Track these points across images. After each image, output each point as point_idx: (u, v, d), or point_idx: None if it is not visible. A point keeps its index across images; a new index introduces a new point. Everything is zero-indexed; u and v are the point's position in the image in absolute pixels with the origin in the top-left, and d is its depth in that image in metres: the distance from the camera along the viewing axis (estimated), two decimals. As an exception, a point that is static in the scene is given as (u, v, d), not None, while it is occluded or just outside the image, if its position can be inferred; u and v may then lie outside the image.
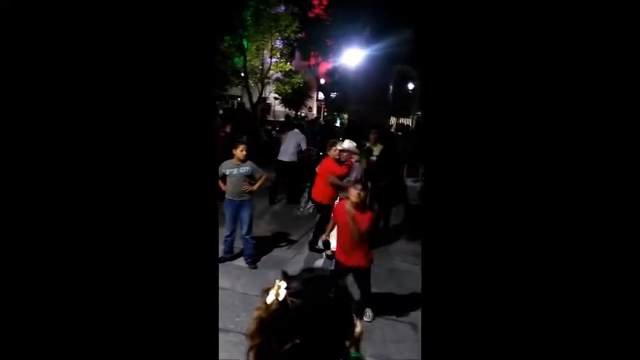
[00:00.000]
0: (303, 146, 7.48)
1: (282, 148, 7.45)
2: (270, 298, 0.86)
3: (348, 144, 5.09)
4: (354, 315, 1.05)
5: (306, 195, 7.63)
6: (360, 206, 3.34)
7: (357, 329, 1.06)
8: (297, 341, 0.82)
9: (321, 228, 5.16)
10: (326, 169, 5.05)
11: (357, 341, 1.06)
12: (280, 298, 0.85)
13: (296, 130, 7.81)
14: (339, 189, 4.93)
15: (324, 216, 5.19)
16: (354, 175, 4.92)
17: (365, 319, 3.60)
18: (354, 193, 3.31)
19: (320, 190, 5.11)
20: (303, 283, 0.89)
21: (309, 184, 7.63)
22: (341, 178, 4.93)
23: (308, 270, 0.94)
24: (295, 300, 0.85)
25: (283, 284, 0.88)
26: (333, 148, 5.07)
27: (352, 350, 1.03)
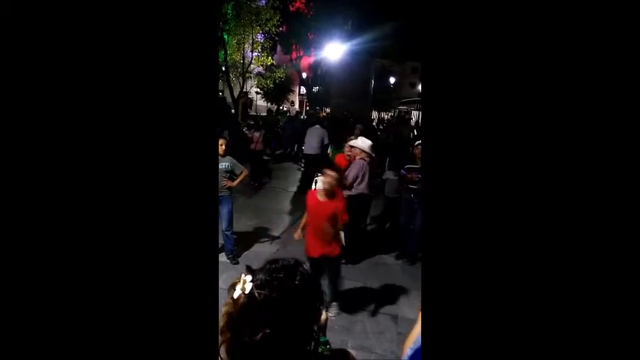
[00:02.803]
0: (326, 140, 7.99)
1: (307, 142, 8.09)
2: (236, 293, 0.87)
3: (359, 141, 4.84)
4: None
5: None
6: (329, 193, 3.34)
7: (323, 316, 1.08)
8: (268, 331, 0.83)
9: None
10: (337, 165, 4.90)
11: (322, 328, 1.08)
12: (247, 292, 0.86)
13: (317, 125, 8.52)
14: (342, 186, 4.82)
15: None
16: (352, 173, 4.68)
17: (329, 314, 3.50)
18: (323, 179, 3.30)
19: None
20: (269, 274, 0.89)
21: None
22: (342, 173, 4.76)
23: (273, 261, 0.94)
24: (262, 291, 0.86)
25: (249, 278, 0.89)
26: (346, 144, 4.91)
27: (319, 336, 1.05)
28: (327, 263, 3.47)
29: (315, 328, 0.94)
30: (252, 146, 8.70)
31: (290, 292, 0.88)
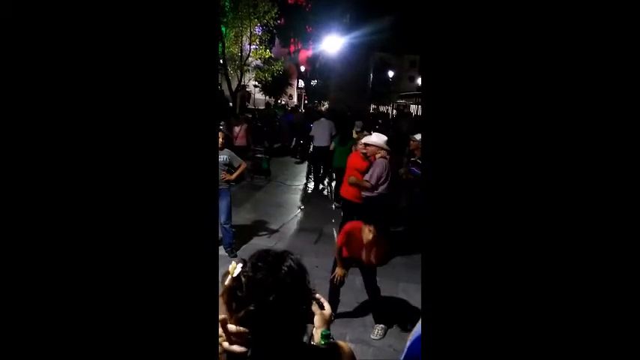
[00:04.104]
0: (334, 131, 8.11)
1: (317, 135, 8.17)
2: (227, 280, 0.92)
3: (375, 138, 4.51)
4: (320, 299, 1.08)
5: (328, 186, 7.91)
6: (374, 242, 3.03)
7: (327, 311, 1.10)
8: (251, 308, 0.86)
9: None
10: (351, 165, 4.63)
11: (327, 322, 1.09)
12: (234, 276, 0.91)
13: (322, 119, 8.59)
14: (361, 188, 4.46)
15: (346, 216, 4.79)
16: (377, 172, 4.31)
17: (372, 336, 3.36)
18: (366, 232, 3.00)
19: (345, 187, 4.72)
20: (257, 259, 0.93)
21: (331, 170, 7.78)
22: (362, 174, 4.44)
23: (264, 250, 0.98)
24: (248, 273, 0.90)
25: (240, 265, 0.93)
26: (360, 141, 4.64)
27: (323, 329, 1.07)
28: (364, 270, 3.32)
29: (306, 318, 0.96)
30: (233, 141, 7.82)
31: (276, 275, 0.91)
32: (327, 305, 1.12)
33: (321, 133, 8.15)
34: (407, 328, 3.37)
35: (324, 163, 8.12)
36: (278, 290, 0.88)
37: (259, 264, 0.91)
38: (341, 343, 1.06)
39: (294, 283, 0.92)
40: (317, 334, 1.06)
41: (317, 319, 1.08)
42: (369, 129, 7.61)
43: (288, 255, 0.97)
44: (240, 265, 0.93)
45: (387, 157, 4.42)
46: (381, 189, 4.35)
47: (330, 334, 1.08)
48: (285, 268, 0.92)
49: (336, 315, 3.49)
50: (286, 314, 0.90)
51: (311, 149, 8.52)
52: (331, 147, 7.28)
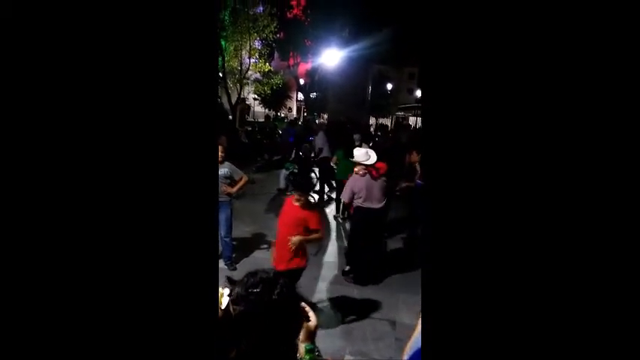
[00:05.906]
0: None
1: (324, 148, 8.45)
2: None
3: (356, 152, 4.53)
4: (306, 309, 1.05)
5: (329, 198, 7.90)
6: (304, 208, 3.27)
7: (312, 323, 1.07)
8: (243, 348, 0.83)
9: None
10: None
11: (311, 335, 1.06)
12: (223, 307, 0.86)
13: (321, 132, 8.97)
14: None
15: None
16: (346, 192, 4.46)
17: None
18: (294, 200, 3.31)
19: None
20: (246, 289, 0.89)
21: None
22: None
23: (251, 274, 0.94)
24: (237, 307, 0.86)
25: (226, 292, 0.89)
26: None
27: (306, 343, 1.04)
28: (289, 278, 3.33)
29: (296, 338, 0.93)
30: None
31: (266, 307, 0.86)
32: (312, 316, 1.09)
33: (323, 146, 8.41)
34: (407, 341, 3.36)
35: (328, 174, 8.22)
36: (271, 324, 0.85)
37: (250, 297, 0.87)
38: (326, 358, 1.04)
39: (285, 313, 0.89)
40: (302, 348, 1.04)
41: (302, 332, 1.05)
42: (367, 141, 7.64)
43: (278, 279, 0.92)
44: (227, 290, 0.89)
45: (361, 172, 4.39)
46: (356, 203, 4.39)
47: (314, 349, 1.05)
48: (276, 297, 0.88)
49: (335, 328, 3.48)
50: (280, 344, 0.88)
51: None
52: (334, 161, 7.35)
